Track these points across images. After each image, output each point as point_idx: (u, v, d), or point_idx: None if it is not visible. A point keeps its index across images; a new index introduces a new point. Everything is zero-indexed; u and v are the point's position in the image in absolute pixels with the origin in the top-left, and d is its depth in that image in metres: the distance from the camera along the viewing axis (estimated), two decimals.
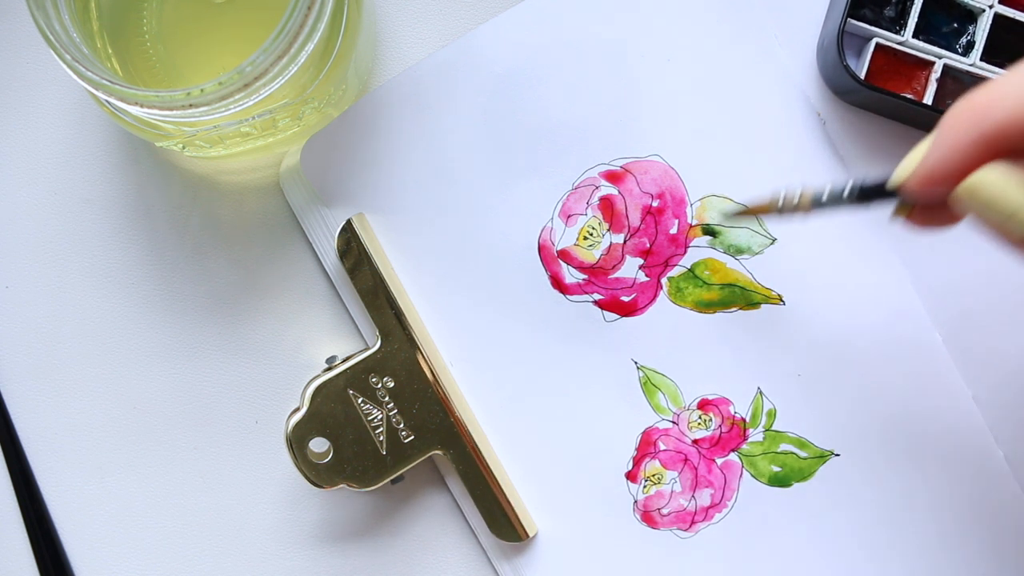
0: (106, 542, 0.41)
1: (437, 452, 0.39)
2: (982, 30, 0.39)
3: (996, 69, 0.39)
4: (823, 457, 0.39)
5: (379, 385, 0.39)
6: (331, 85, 0.36)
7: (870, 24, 0.39)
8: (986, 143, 0.26)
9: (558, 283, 0.40)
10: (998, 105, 0.26)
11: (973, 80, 0.39)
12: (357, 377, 0.38)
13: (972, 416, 0.39)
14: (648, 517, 0.40)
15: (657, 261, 0.39)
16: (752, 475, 0.40)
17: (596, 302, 0.39)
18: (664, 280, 0.39)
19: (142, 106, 0.31)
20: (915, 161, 0.28)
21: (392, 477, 0.39)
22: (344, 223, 0.39)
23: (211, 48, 0.37)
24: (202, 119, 0.32)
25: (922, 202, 0.29)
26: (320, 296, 0.41)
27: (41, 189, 0.41)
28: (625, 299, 0.39)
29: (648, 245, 0.39)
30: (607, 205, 0.39)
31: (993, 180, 0.26)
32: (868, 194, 0.31)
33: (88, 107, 0.41)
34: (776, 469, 0.39)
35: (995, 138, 0.26)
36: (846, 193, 0.32)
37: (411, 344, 0.39)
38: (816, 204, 0.33)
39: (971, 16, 0.39)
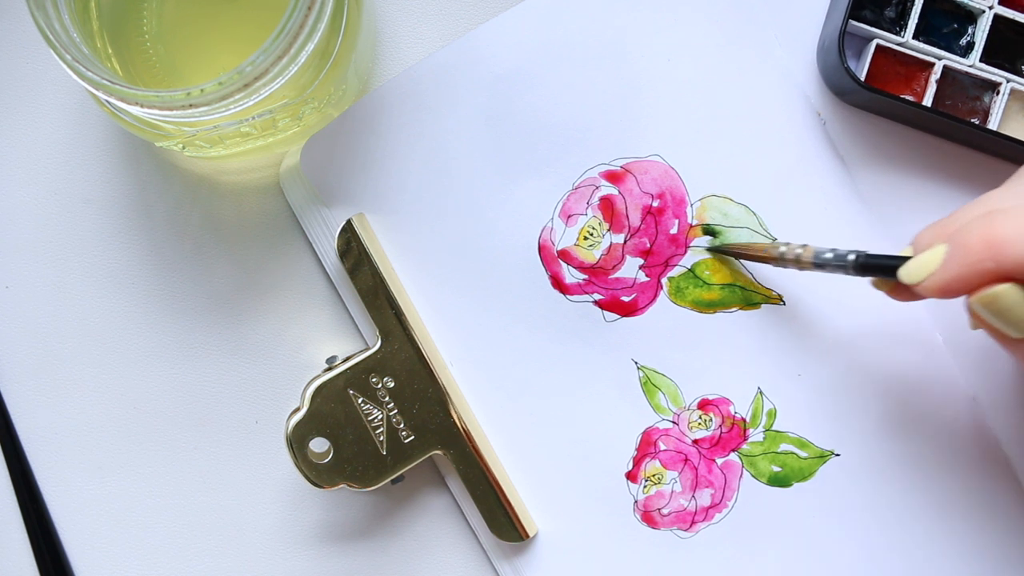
0: (106, 542, 0.41)
1: (437, 452, 0.39)
2: (982, 31, 0.39)
3: (995, 70, 0.39)
4: (823, 457, 0.39)
5: (379, 385, 0.39)
6: (331, 85, 0.36)
7: (870, 25, 0.39)
8: (1004, 273, 0.29)
9: (558, 283, 0.40)
10: (1019, 243, 0.28)
11: (972, 81, 0.39)
12: (357, 377, 0.38)
13: (972, 416, 0.39)
14: (648, 517, 0.40)
15: (657, 261, 0.39)
16: (752, 475, 0.40)
17: (596, 302, 0.39)
18: (664, 280, 0.39)
19: (142, 106, 0.31)
20: (928, 264, 0.30)
21: (392, 477, 0.39)
22: (344, 223, 0.39)
23: (211, 48, 0.37)
24: (202, 119, 0.32)
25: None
26: (320, 296, 0.41)
27: (41, 189, 0.41)
28: (625, 299, 0.39)
29: (648, 245, 0.39)
30: (607, 205, 0.39)
31: (1006, 293, 0.29)
32: (872, 270, 0.33)
33: (88, 107, 0.41)
34: (776, 469, 0.39)
35: (1012, 271, 0.29)
36: (850, 260, 0.33)
37: (411, 344, 0.39)
38: (817, 264, 0.35)
39: (971, 17, 0.39)
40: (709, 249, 0.39)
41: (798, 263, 0.35)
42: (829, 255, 0.34)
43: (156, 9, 0.36)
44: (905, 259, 0.31)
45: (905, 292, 0.33)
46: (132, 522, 0.41)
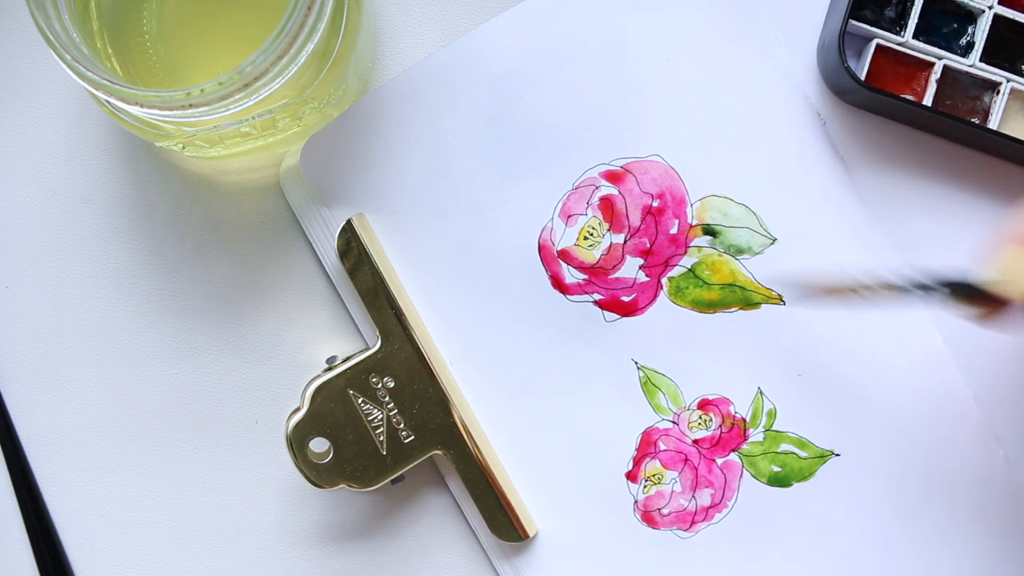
0: (106, 542, 0.41)
1: (437, 452, 0.39)
2: (982, 31, 0.39)
3: (996, 70, 0.39)
4: (823, 457, 0.39)
5: (379, 385, 0.39)
6: (331, 85, 0.36)
7: (870, 25, 0.39)
8: None
9: (558, 283, 0.40)
10: None
11: (973, 81, 0.39)
12: (357, 377, 0.38)
13: (972, 416, 0.39)
14: (648, 517, 0.40)
15: (657, 261, 0.39)
16: (752, 475, 0.40)
17: (596, 302, 0.39)
18: (664, 280, 0.39)
19: (142, 106, 0.31)
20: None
21: (392, 477, 0.39)
22: (344, 223, 0.39)
23: (211, 48, 0.37)
24: (202, 119, 0.32)
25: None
26: (320, 296, 0.41)
27: (41, 189, 0.41)
28: (625, 299, 0.39)
29: (648, 245, 0.39)
30: (607, 205, 0.39)
31: None
32: (964, 294, 0.31)
33: (88, 107, 0.41)
34: (776, 469, 0.39)
35: None
36: (946, 288, 0.32)
37: (411, 344, 0.39)
38: (901, 293, 0.33)
39: (971, 17, 0.39)
40: (795, 288, 0.38)
41: (880, 295, 0.34)
42: (923, 283, 0.32)
43: (156, 9, 0.36)
44: (995, 282, 0.30)
45: (1002, 313, 0.31)
46: (132, 522, 0.41)
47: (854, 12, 0.38)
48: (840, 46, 0.37)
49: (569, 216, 0.39)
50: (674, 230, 0.39)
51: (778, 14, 0.40)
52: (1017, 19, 0.39)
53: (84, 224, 0.41)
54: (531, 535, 0.39)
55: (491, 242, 0.40)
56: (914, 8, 0.38)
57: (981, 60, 0.39)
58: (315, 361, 0.41)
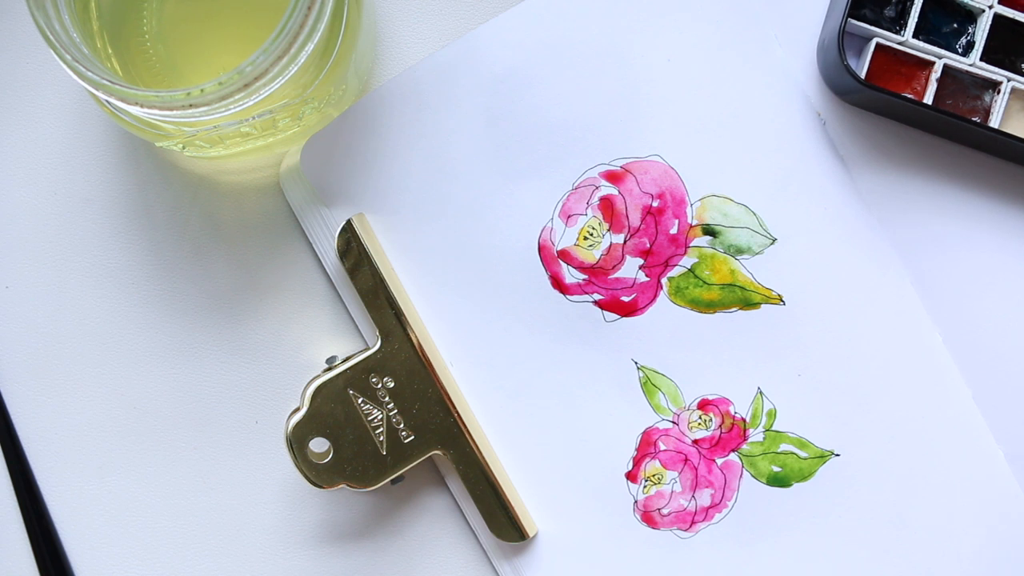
0: (106, 542, 0.41)
1: (437, 452, 0.39)
2: (982, 30, 0.39)
3: (996, 69, 0.39)
4: (823, 457, 0.39)
5: (379, 385, 0.39)
6: (331, 85, 0.36)
7: (870, 24, 0.39)
8: None
9: (558, 283, 0.40)
10: None
11: (973, 80, 0.39)
12: (357, 377, 0.38)
13: (972, 416, 0.39)
14: (648, 517, 0.40)
15: (657, 261, 0.39)
16: (752, 475, 0.40)
17: (596, 302, 0.39)
18: (664, 280, 0.39)
19: (142, 106, 0.31)
20: None
21: (392, 477, 0.39)
22: (344, 223, 0.39)
23: (211, 48, 0.37)
24: (202, 119, 0.32)
25: None
26: (320, 296, 0.41)
27: (41, 189, 0.41)
28: (625, 299, 0.39)
29: (648, 245, 0.39)
30: (607, 205, 0.39)
31: None
32: None
33: (88, 107, 0.41)
34: (776, 469, 0.39)
35: None
36: None
37: (411, 344, 0.39)
38: None
39: (971, 16, 0.39)
40: None
41: None
42: None
43: (156, 9, 0.36)
44: None
45: None
46: (132, 522, 0.41)
47: (853, 11, 0.38)
48: (840, 45, 0.37)
49: (569, 216, 0.39)
50: (674, 230, 0.39)
51: (778, 14, 0.40)
52: (1017, 19, 0.39)
53: (84, 224, 0.41)
54: (531, 535, 0.39)
55: (491, 242, 0.40)
56: (914, 7, 0.38)
57: (981, 59, 0.39)
58: (315, 361, 0.41)
